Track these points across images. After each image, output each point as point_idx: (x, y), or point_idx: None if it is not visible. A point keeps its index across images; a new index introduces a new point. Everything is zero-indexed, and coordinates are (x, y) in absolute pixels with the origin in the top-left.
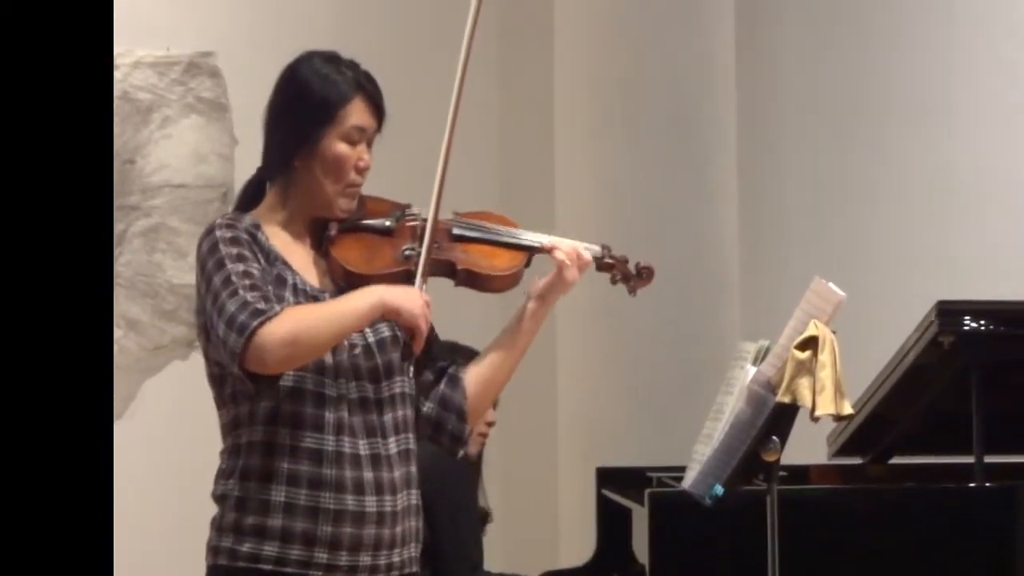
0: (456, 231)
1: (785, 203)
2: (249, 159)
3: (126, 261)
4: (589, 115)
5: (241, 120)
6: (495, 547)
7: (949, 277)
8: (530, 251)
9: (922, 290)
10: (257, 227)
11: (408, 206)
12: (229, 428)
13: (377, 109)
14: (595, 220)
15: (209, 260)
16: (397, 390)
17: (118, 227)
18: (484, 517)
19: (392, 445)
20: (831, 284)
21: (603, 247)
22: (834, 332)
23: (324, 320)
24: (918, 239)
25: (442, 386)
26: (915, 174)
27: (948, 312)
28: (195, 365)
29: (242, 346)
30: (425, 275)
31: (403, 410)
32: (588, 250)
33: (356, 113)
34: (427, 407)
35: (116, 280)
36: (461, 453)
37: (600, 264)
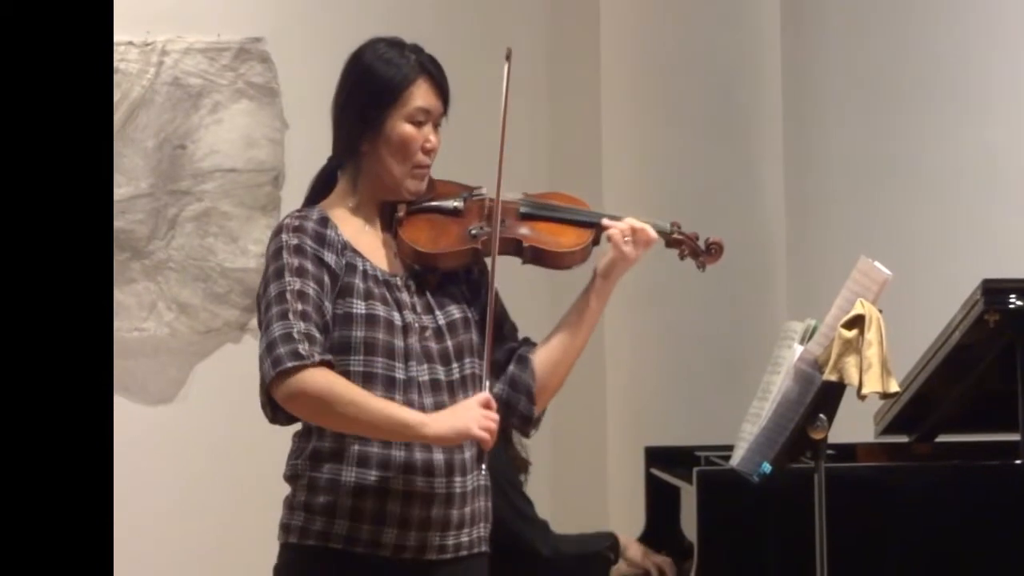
0: (523, 210)
1: (831, 183)
2: (299, 143)
3: (178, 245)
4: (635, 97)
5: (291, 104)
6: None
7: (995, 255)
8: (596, 228)
9: (968, 268)
10: (325, 221)
11: (478, 188)
12: None
13: (441, 91)
14: (641, 203)
15: (272, 264)
16: (468, 371)
17: (170, 212)
18: (524, 466)
19: None
20: (877, 263)
21: (672, 224)
22: (880, 311)
23: (356, 407)
24: (964, 217)
25: (512, 367)
26: (960, 153)
27: (994, 290)
28: (247, 348)
29: (271, 380)
30: (495, 254)
31: (473, 391)
32: (656, 226)
33: (420, 94)
34: (497, 388)
35: (167, 264)
36: (533, 434)
37: (669, 240)
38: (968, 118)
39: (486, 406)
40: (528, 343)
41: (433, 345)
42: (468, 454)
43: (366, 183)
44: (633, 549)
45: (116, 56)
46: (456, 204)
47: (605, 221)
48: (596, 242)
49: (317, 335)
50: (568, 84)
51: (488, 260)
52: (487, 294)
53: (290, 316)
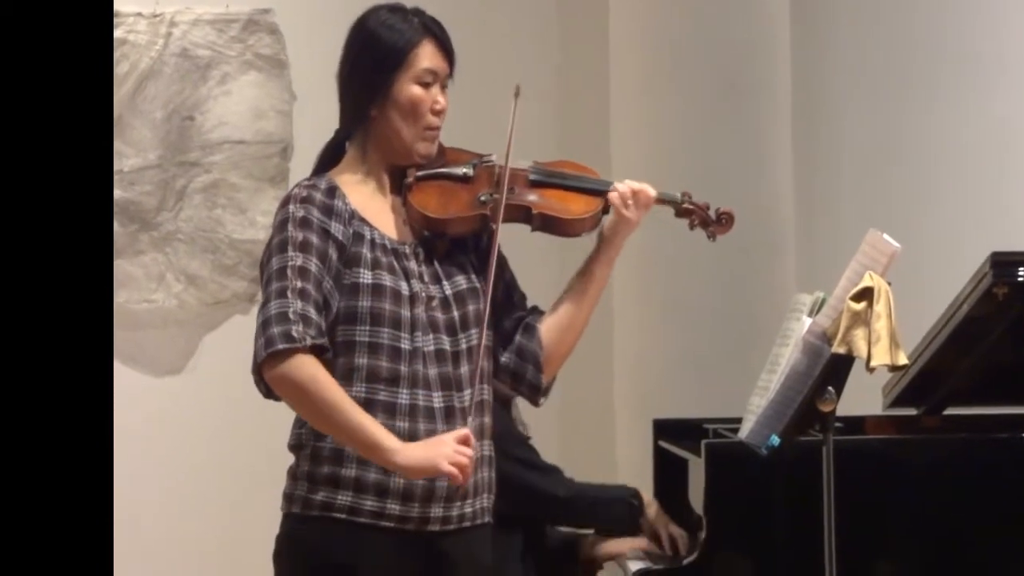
0: (533, 177)
1: (840, 155)
2: (308, 115)
3: (187, 217)
4: (645, 77)
5: (300, 76)
6: None
7: (1003, 228)
8: (604, 195)
9: (976, 241)
10: (333, 191)
11: (488, 155)
12: None
13: (447, 51)
14: (650, 179)
15: (276, 236)
16: (475, 342)
17: (178, 183)
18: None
19: (467, 397)
20: (886, 236)
21: (683, 193)
22: (889, 283)
23: (340, 412)
24: (972, 191)
25: (518, 336)
26: (968, 127)
27: (1002, 263)
28: (255, 320)
29: (262, 359)
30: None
31: (480, 362)
32: (666, 195)
33: (426, 56)
34: (505, 357)
35: (176, 236)
36: (543, 402)
37: (679, 210)
38: (976, 92)
39: (462, 442)
40: (536, 311)
41: (439, 315)
42: (471, 425)
43: (376, 149)
44: (653, 508)
45: (124, 27)
46: (466, 170)
47: (611, 186)
48: (606, 210)
49: (313, 316)
50: (578, 64)
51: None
52: (499, 266)
53: (288, 294)
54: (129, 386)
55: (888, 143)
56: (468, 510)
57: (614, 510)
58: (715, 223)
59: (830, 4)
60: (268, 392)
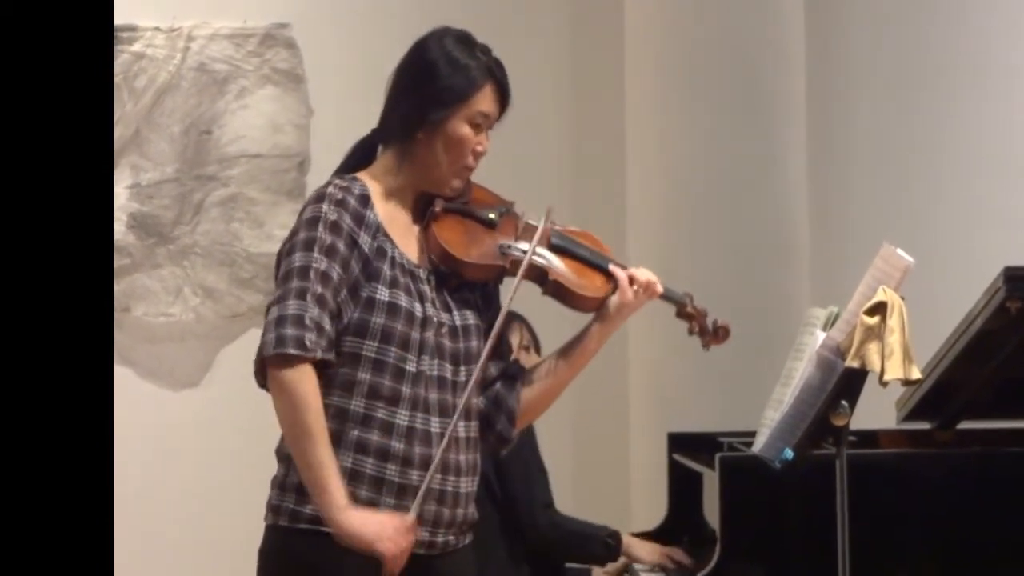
0: (555, 241)
1: (854, 170)
2: (325, 129)
3: (204, 230)
4: (659, 81)
5: (317, 90)
6: (568, 510)
7: (1017, 243)
8: (616, 278)
9: (990, 256)
10: (367, 200)
11: (512, 204)
12: None
13: (503, 98)
14: (666, 188)
15: (303, 232)
16: (472, 376)
17: (196, 197)
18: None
19: (462, 429)
20: (899, 250)
21: (687, 295)
22: (903, 297)
23: (313, 445)
24: (986, 204)
25: (499, 386)
26: (982, 138)
27: (1016, 278)
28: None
29: (269, 355)
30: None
31: (475, 398)
32: (670, 293)
33: (485, 100)
34: (480, 401)
35: (193, 249)
36: (503, 454)
37: (681, 312)
38: (989, 102)
39: (408, 532)
40: (518, 366)
41: (447, 343)
42: (463, 457)
43: (411, 169)
44: (644, 549)
45: (143, 42)
46: (492, 216)
47: (628, 271)
48: (612, 293)
49: (327, 327)
50: (593, 65)
51: (509, 279)
52: (498, 312)
53: (307, 296)
54: (147, 399)
55: (903, 153)
56: (452, 539)
57: (589, 547)
58: (711, 333)
59: (844, 12)
60: (264, 383)
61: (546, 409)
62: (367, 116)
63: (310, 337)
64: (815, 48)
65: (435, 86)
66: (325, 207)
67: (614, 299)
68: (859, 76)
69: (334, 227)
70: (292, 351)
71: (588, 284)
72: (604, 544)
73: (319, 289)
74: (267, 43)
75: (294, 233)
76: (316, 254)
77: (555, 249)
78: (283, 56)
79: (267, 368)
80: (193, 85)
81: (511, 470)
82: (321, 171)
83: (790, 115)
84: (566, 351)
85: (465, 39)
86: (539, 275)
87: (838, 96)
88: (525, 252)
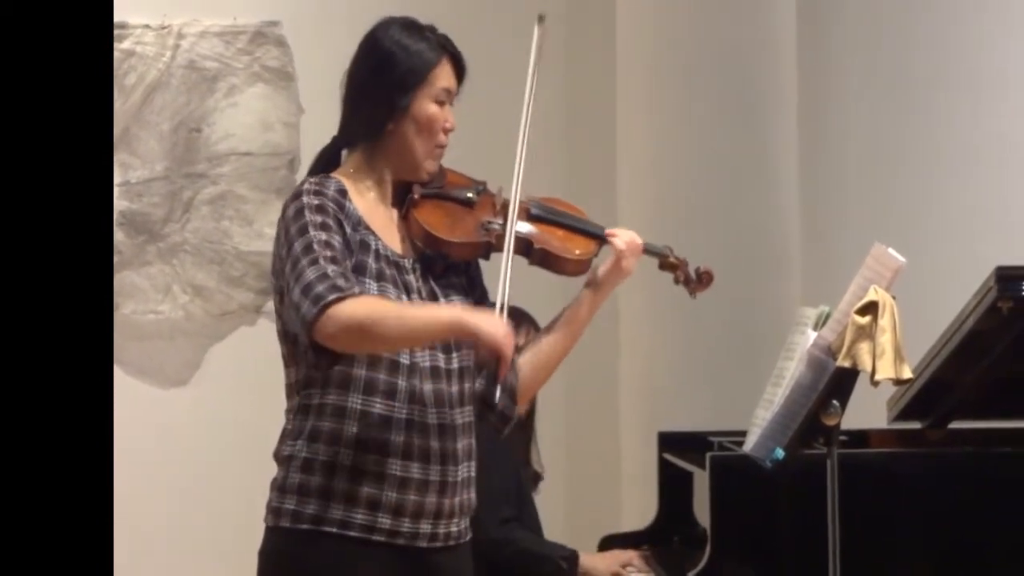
0: (534, 211)
1: (845, 171)
2: (315, 127)
3: (193, 228)
4: (650, 87)
5: (307, 88)
6: (558, 510)
7: (1007, 243)
8: (600, 240)
9: (980, 256)
10: (344, 193)
11: (484, 183)
12: (299, 387)
13: (460, 70)
14: (656, 188)
15: (293, 224)
16: (466, 363)
17: (185, 195)
18: (535, 477)
19: (458, 416)
20: (891, 250)
21: (666, 247)
22: (894, 297)
23: (399, 320)
24: (976, 205)
25: None
26: (972, 142)
27: (1007, 278)
28: (261, 331)
29: (314, 316)
30: (510, 250)
31: (469, 383)
32: (651, 247)
33: (444, 75)
34: (479, 383)
35: (183, 247)
36: (507, 432)
37: (664, 263)
38: (980, 106)
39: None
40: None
41: None
42: (461, 444)
43: (385, 161)
44: (601, 562)
45: (132, 39)
46: (469, 195)
47: (608, 231)
48: (597, 254)
49: (349, 275)
50: (584, 66)
51: (496, 254)
52: (484, 293)
53: (321, 261)
54: (135, 397)
55: (893, 157)
56: (454, 529)
57: (541, 567)
58: (695, 281)
59: (836, 15)
60: (317, 360)
61: (543, 383)
62: None
63: (340, 281)
64: (807, 49)
65: (395, 73)
66: (305, 199)
67: (607, 266)
68: (850, 77)
69: (320, 209)
70: (331, 297)
71: (573, 248)
72: (557, 566)
73: (328, 253)
74: (257, 41)
75: (286, 230)
76: (312, 232)
77: (535, 219)
78: (273, 54)
79: (316, 335)
80: (183, 83)
81: (478, 483)
82: None
83: (781, 116)
84: (559, 321)
85: (411, 24)
86: (524, 246)
87: (829, 97)
88: (505, 225)
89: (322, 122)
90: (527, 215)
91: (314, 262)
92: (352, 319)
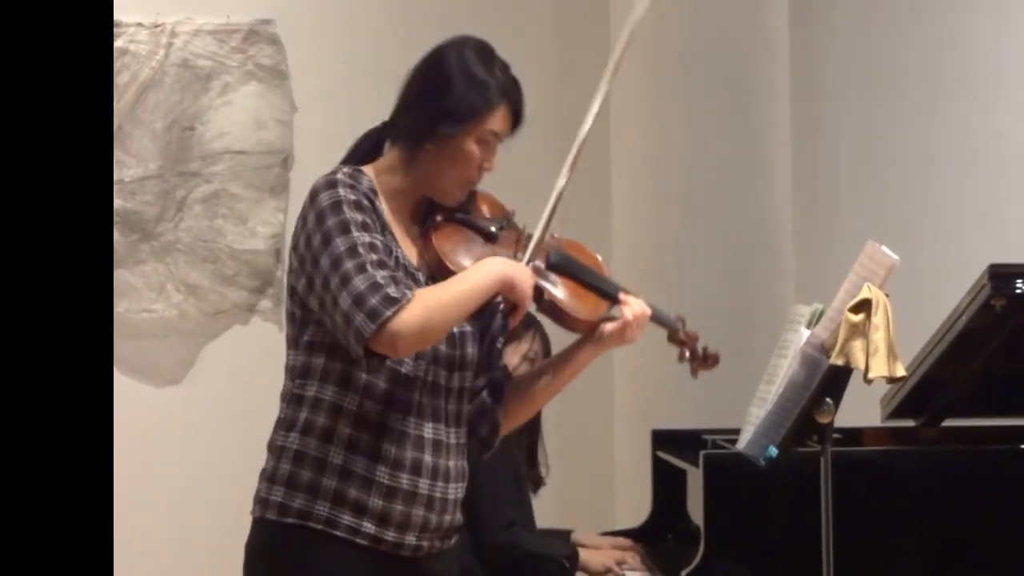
0: (553, 259)
1: (838, 168)
2: (308, 125)
3: (187, 227)
4: (644, 84)
5: (300, 87)
6: (551, 508)
7: (1001, 241)
8: (612, 301)
9: (974, 254)
10: (375, 193)
11: (512, 213)
12: (297, 373)
13: (517, 119)
14: (650, 186)
15: (331, 217)
16: (467, 384)
17: (179, 193)
18: (537, 481)
19: (453, 435)
20: (884, 248)
21: (679, 319)
22: (887, 295)
23: (453, 302)
24: (970, 203)
25: (486, 394)
26: (967, 139)
27: (1000, 275)
28: (255, 330)
29: (372, 333)
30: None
31: (467, 405)
32: (663, 317)
33: (498, 120)
34: (470, 409)
35: (176, 246)
36: (486, 456)
37: (672, 337)
38: (974, 104)
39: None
40: (504, 373)
41: (442, 348)
42: (453, 463)
43: (416, 174)
44: (594, 558)
45: (125, 37)
46: (493, 228)
47: (622, 296)
48: (604, 317)
49: (399, 277)
50: (578, 62)
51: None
52: (491, 318)
53: (368, 267)
54: (129, 396)
55: (887, 155)
56: (438, 544)
57: (544, 568)
58: (700, 360)
59: (829, 11)
60: (369, 365)
61: (524, 419)
62: (351, 112)
63: (391, 290)
64: (800, 47)
65: (449, 100)
66: (342, 191)
67: (612, 329)
68: (844, 74)
69: (358, 205)
70: (388, 312)
71: (583, 307)
72: (560, 565)
73: (374, 256)
74: (251, 39)
75: (320, 219)
76: (355, 232)
77: (553, 267)
78: (267, 52)
79: (375, 348)
80: (176, 81)
81: (481, 486)
82: (304, 168)
83: (775, 113)
84: (554, 371)
85: (485, 53)
86: (536, 293)
87: (823, 94)
88: None
89: (316, 120)
90: (546, 260)
91: (362, 268)
92: (412, 329)
